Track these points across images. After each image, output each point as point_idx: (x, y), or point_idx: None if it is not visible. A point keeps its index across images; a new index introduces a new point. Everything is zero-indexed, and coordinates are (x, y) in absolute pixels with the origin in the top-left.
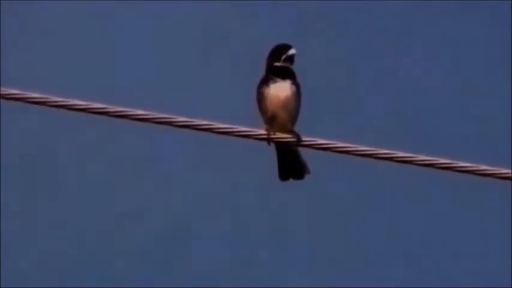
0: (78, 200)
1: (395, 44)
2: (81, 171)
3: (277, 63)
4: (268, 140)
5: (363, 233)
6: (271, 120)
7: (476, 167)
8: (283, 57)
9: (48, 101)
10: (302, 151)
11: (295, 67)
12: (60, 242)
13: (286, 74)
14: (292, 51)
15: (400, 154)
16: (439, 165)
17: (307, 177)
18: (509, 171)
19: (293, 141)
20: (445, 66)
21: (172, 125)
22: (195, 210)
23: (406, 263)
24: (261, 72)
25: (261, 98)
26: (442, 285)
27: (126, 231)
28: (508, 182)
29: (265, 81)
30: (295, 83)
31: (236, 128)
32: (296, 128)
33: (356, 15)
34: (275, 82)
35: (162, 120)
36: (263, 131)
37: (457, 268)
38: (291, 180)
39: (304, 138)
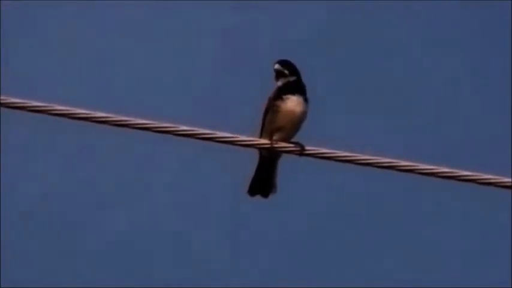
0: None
1: (393, 43)
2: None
3: (290, 79)
4: (271, 149)
5: (363, 239)
6: (275, 131)
7: (479, 175)
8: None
9: (50, 110)
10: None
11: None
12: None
13: (299, 89)
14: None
15: (402, 163)
16: (440, 174)
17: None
18: (510, 179)
19: (297, 151)
20: (445, 69)
21: (174, 134)
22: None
23: (405, 269)
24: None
25: (274, 110)
26: (442, 286)
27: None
28: (508, 190)
29: (279, 94)
30: (306, 99)
31: (238, 137)
32: (296, 138)
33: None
34: (289, 97)
35: (164, 129)
36: (266, 140)
37: (456, 271)
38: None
39: (307, 147)
